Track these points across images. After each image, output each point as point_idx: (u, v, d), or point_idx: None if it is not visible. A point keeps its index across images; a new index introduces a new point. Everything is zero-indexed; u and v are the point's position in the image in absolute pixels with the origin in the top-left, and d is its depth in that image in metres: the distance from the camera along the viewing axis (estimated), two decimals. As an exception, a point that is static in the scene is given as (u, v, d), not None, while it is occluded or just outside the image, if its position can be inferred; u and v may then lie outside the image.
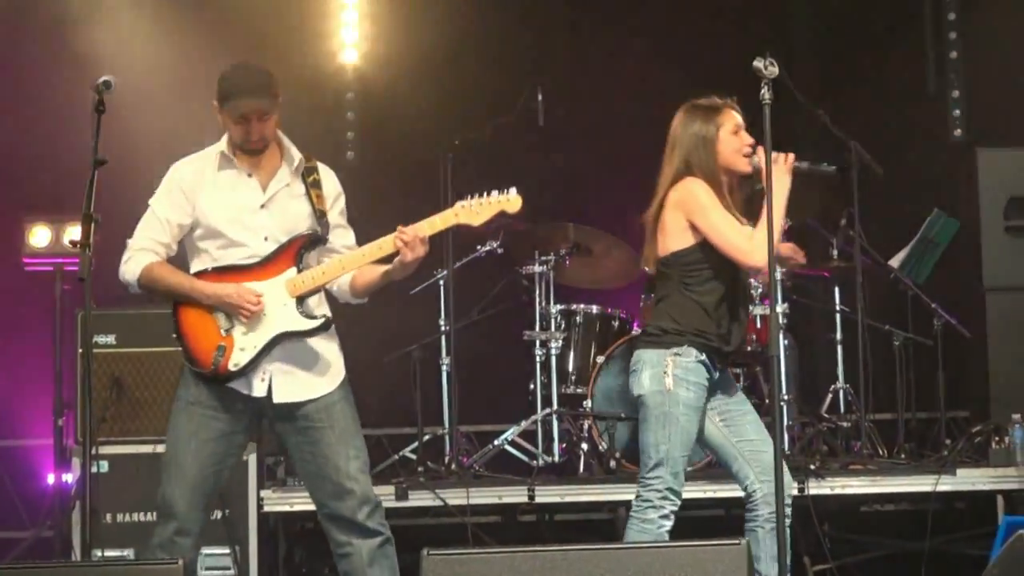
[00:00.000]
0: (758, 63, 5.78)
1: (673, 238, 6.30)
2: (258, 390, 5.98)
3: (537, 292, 8.77)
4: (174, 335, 6.05)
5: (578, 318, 8.83)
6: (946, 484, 8.28)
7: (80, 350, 7.52)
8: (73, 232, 8.26)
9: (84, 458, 6.50)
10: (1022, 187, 9.35)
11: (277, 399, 5.99)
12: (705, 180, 6.25)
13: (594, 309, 8.88)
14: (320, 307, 6.13)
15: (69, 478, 8.23)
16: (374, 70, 9.80)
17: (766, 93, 5.77)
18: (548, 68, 9.86)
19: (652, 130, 10.11)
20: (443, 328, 8.76)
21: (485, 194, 6.17)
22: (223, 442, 6.06)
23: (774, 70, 5.79)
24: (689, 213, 6.23)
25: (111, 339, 8.00)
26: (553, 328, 8.72)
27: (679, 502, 6.26)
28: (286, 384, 6.01)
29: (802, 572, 8.25)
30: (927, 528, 8.26)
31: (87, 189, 5.71)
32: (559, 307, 8.78)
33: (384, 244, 5.99)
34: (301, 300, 6.00)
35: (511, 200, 6.20)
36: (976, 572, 5.22)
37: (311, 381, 6.05)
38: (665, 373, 6.17)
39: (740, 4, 10.45)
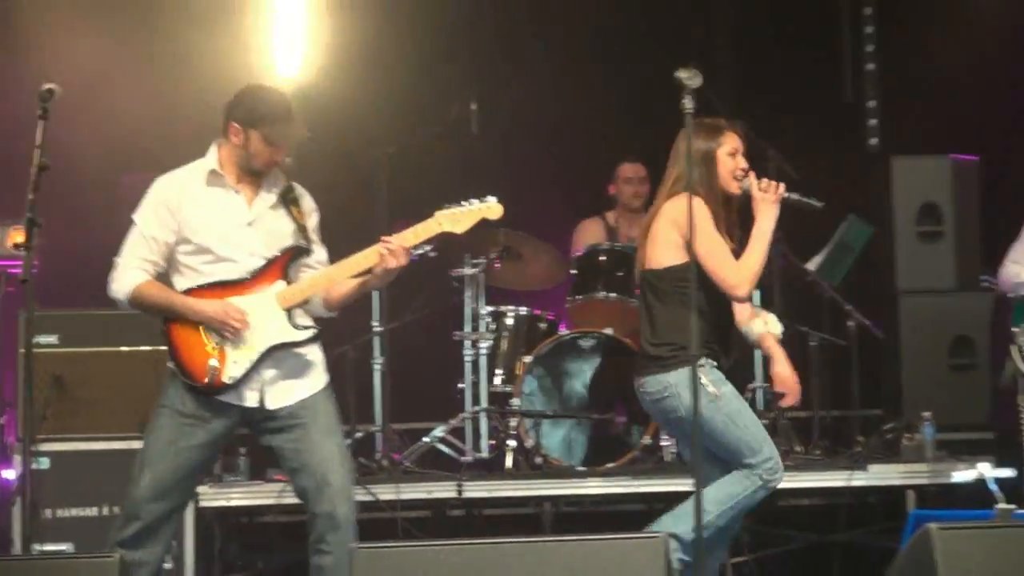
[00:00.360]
0: (680, 74, 5.84)
1: (666, 252, 6.42)
2: (250, 400, 6.04)
3: (468, 294, 8.81)
4: (167, 350, 6.06)
5: (507, 319, 8.87)
6: (859, 479, 8.36)
7: (22, 350, 7.51)
8: (16, 236, 8.25)
9: (24, 455, 6.48)
10: (934, 194, 9.45)
11: (270, 406, 6.04)
12: (703, 196, 6.32)
13: (523, 311, 8.91)
14: (304, 317, 6.17)
15: (10, 474, 8.20)
16: (312, 79, 9.78)
17: (688, 102, 5.82)
18: (482, 77, 9.88)
19: (579, 138, 10.25)
20: (376, 329, 8.78)
21: (464, 202, 6.26)
22: (203, 451, 6.10)
23: (697, 80, 5.85)
24: (684, 231, 6.21)
25: (53, 339, 7.97)
26: (483, 329, 8.76)
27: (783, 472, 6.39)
28: (279, 390, 6.07)
29: (722, 566, 8.31)
30: (841, 521, 8.35)
31: (30, 193, 5.71)
32: (489, 309, 8.82)
33: (369, 255, 6.07)
34: (290, 312, 6.04)
35: (491, 207, 6.34)
36: (886, 563, 5.28)
37: (299, 385, 6.12)
38: (703, 384, 6.19)
39: (664, 16, 10.50)
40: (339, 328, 8.73)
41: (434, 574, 4.32)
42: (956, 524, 4.65)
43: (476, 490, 8.27)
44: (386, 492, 8.09)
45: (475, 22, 10.43)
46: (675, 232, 6.36)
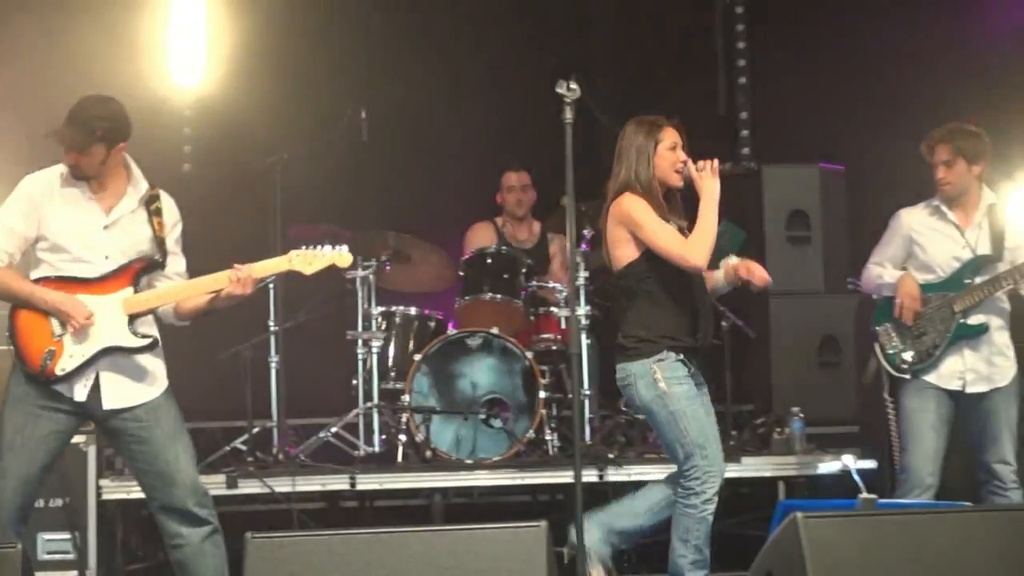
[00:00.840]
0: (560, 87, 5.89)
1: (621, 251, 6.56)
2: (79, 395, 6.03)
3: (360, 295, 8.80)
4: (7, 334, 6.05)
5: (397, 319, 8.88)
6: (732, 471, 8.39)
7: None
8: None
9: None
10: (803, 201, 9.58)
11: (107, 405, 6.04)
12: (643, 190, 6.51)
13: (412, 311, 8.93)
14: (149, 327, 6.18)
15: None
16: (210, 89, 9.74)
17: (567, 113, 5.87)
18: (372, 87, 9.88)
19: (467, 145, 10.27)
20: (272, 328, 8.76)
21: (319, 246, 6.32)
22: (51, 439, 6.07)
23: (575, 92, 5.90)
24: (630, 227, 6.47)
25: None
26: (374, 328, 8.76)
27: (720, 481, 6.48)
28: (114, 391, 6.07)
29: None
30: (716, 511, 8.42)
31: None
32: (380, 309, 8.82)
33: (219, 278, 6.10)
34: (133, 319, 6.05)
35: (342, 256, 6.39)
36: (757, 550, 5.34)
37: (137, 389, 6.12)
38: (656, 379, 6.39)
39: (546, 31, 10.54)
40: (236, 328, 8.76)
41: (325, 562, 4.34)
42: (821, 513, 4.72)
43: (368, 482, 8.26)
44: (282, 485, 8.08)
45: (365, 33, 10.42)
46: (623, 229, 6.51)
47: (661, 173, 6.59)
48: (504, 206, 9.70)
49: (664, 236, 6.45)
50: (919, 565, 4.55)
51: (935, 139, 7.36)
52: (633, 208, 6.47)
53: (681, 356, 6.50)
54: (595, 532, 6.56)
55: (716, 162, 6.57)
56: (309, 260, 6.31)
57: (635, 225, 6.47)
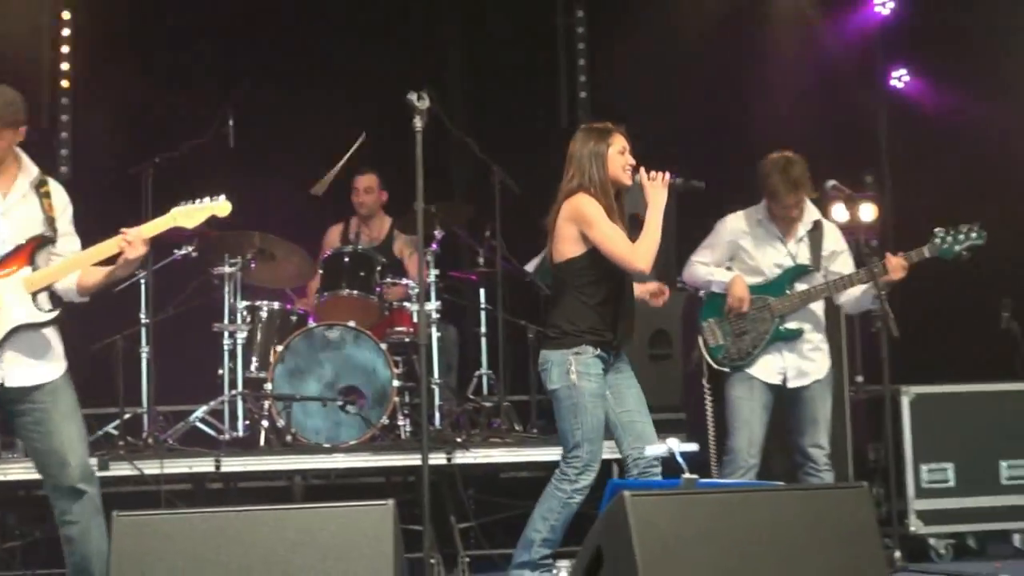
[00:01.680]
0: (410, 97, 5.92)
1: (566, 246, 6.60)
2: None
3: (226, 290, 8.77)
4: None
5: (261, 313, 8.86)
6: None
7: None
8: None
9: None
10: (637, 205, 9.61)
11: (9, 384, 5.96)
12: (596, 191, 6.56)
13: (275, 305, 8.92)
14: (48, 302, 6.11)
15: None
16: (87, 96, 9.65)
17: (417, 122, 5.91)
18: (238, 94, 9.83)
19: (323, 151, 10.24)
20: (143, 321, 8.70)
21: (198, 200, 6.31)
22: None
23: (425, 103, 5.93)
24: (581, 225, 6.52)
25: None
26: (239, 321, 8.73)
27: (593, 476, 6.55)
28: (18, 371, 6.00)
29: (449, 530, 8.41)
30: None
31: None
32: (245, 303, 8.80)
33: (109, 245, 6.04)
34: (35, 296, 5.99)
35: (220, 205, 6.40)
36: (590, 526, 5.39)
37: (40, 368, 6.06)
38: (569, 371, 6.46)
39: (401, 43, 10.56)
40: (110, 320, 8.69)
41: (187, 539, 4.34)
42: (646, 491, 4.79)
43: (233, 465, 8.22)
44: (151, 467, 8.00)
45: (235, 46, 10.38)
46: (572, 227, 6.56)
47: (613, 173, 6.65)
48: (357, 206, 9.71)
49: (614, 239, 6.52)
50: (735, 538, 4.63)
51: (780, 183, 7.43)
52: (587, 208, 6.54)
53: (599, 351, 6.58)
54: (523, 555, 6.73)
55: (667, 175, 6.63)
56: (190, 214, 6.31)
57: (587, 224, 6.53)
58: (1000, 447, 8.76)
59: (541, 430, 9.16)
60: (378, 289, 8.88)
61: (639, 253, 6.52)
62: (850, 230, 7.64)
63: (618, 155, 6.68)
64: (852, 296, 7.58)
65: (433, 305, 8.82)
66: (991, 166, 10.71)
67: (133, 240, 6.03)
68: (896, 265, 7.35)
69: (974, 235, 7.47)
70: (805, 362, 7.46)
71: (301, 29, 10.42)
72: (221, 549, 4.31)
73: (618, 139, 6.71)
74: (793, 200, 7.43)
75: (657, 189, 6.61)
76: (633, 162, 6.71)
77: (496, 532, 8.88)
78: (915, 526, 8.63)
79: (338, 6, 10.45)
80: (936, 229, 7.51)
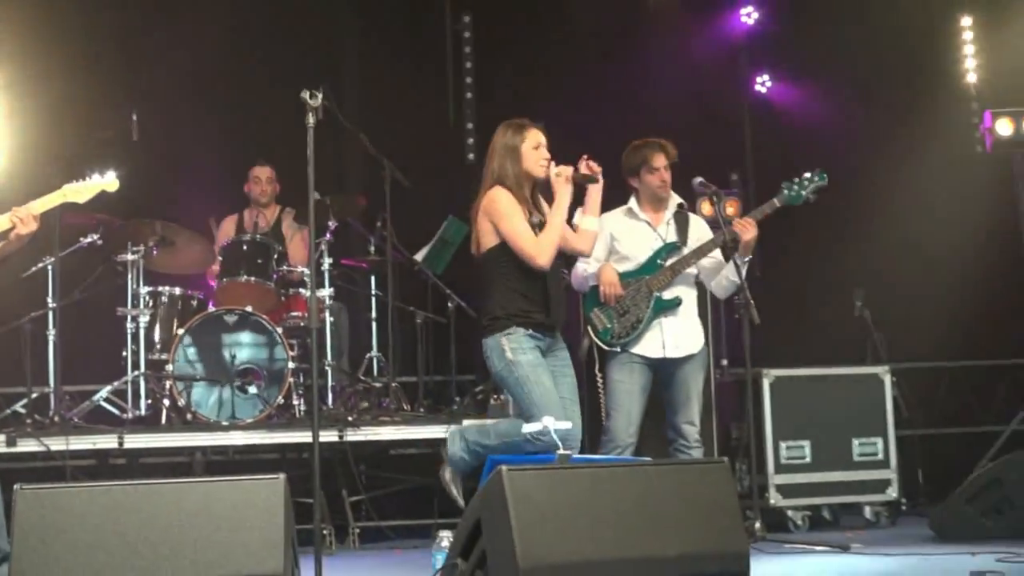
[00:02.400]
0: (304, 95, 5.88)
1: (484, 238, 6.63)
2: None
3: (130, 276, 8.68)
4: None
5: (163, 298, 8.77)
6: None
7: None
8: None
9: None
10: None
11: None
12: (513, 183, 6.58)
13: (177, 291, 8.83)
14: None
15: None
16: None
17: (310, 119, 5.88)
18: (144, 89, 9.74)
19: (223, 143, 10.16)
20: (50, 305, 8.59)
21: (88, 177, 6.36)
22: None
23: (318, 101, 5.90)
24: (493, 219, 6.54)
25: None
26: (142, 306, 8.65)
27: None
28: None
29: (340, 503, 8.40)
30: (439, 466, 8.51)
31: None
32: (147, 288, 8.71)
33: (2, 220, 5.96)
34: None
35: (109, 182, 6.47)
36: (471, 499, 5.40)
37: None
38: (504, 351, 6.50)
39: (301, 43, 10.49)
40: (18, 304, 8.59)
41: (88, 511, 4.30)
42: (523, 466, 4.80)
43: (135, 442, 8.15)
44: (57, 444, 7.92)
45: (135, 40, 10.26)
46: (487, 220, 6.59)
47: (527, 167, 6.65)
48: (250, 195, 9.64)
49: (518, 234, 6.54)
50: (605, 510, 4.67)
51: (650, 149, 7.51)
52: (499, 203, 6.56)
53: (530, 331, 6.59)
54: (457, 442, 6.81)
55: (571, 170, 6.64)
56: (79, 191, 6.37)
57: (497, 217, 6.55)
58: (852, 426, 8.88)
59: (428, 409, 9.17)
60: (275, 275, 8.83)
61: (540, 247, 6.55)
62: (716, 224, 7.69)
63: (532, 151, 6.68)
64: (720, 277, 7.60)
65: (327, 291, 8.80)
66: (846, 163, 10.86)
67: (24, 217, 6.00)
68: (742, 224, 7.41)
69: (817, 178, 7.58)
70: (683, 335, 7.46)
71: (202, 28, 10.31)
72: (121, 521, 4.28)
73: (533, 134, 6.71)
74: (663, 162, 7.47)
75: (561, 185, 6.63)
76: (548, 157, 6.71)
77: (385, 505, 8.89)
78: (774, 499, 8.73)
79: (239, 5, 10.35)
80: (782, 182, 7.60)
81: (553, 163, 6.69)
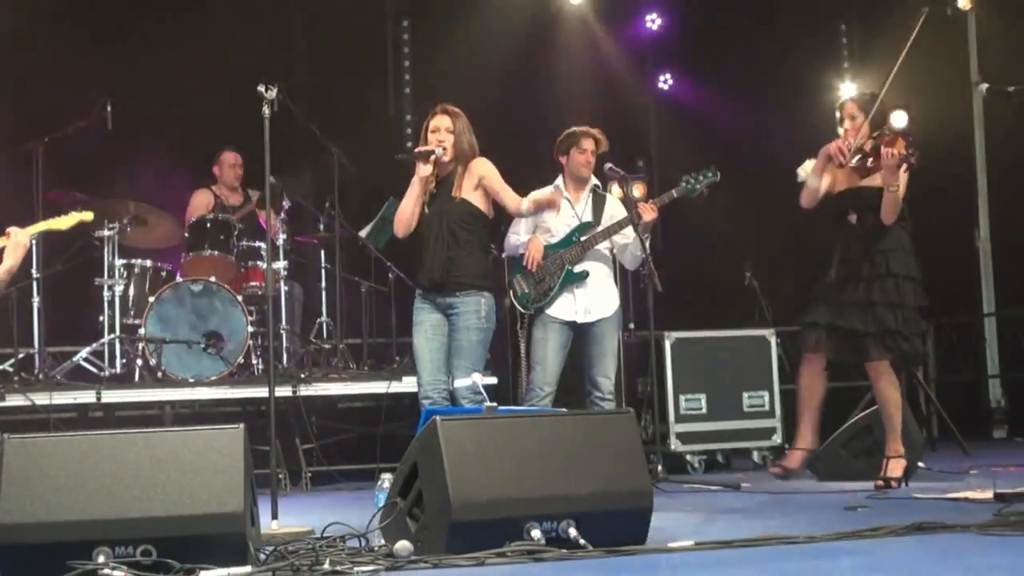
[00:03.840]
0: (260, 88, 5.84)
1: None
2: None
3: (106, 250, 8.60)
4: None
5: (136, 269, 8.69)
6: (396, 387, 8.55)
7: None
8: None
9: None
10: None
11: None
12: None
13: (148, 263, 8.76)
14: None
15: None
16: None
17: (266, 110, 5.84)
18: (116, 81, 9.63)
19: (192, 130, 10.05)
20: (35, 276, 8.50)
21: (68, 213, 6.73)
22: None
23: (272, 93, 5.86)
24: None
25: None
26: (117, 276, 8.57)
27: (424, 398, 6.67)
28: None
29: (294, 450, 8.39)
30: (382, 417, 8.52)
31: None
32: (122, 261, 8.64)
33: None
34: None
35: (85, 215, 6.82)
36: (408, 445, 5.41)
37: None
38: None
39: (259, 42, 10.41)
40: (5, 275, 8.48)
41: (69, 458, 4.28)
42: (454, 417, 4.81)
43: (111, 396, 8.15)
44: (41, 398, 7.88)
45: (112, 34, 10.14)
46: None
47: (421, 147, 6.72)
48: (221, 178, 9.56)
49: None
50: (525, 454, 4.68)
51: (579, 133, 7.52)
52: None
53: (418, 291, 6.76)
54: None
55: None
56: (62, 221, 6.71)
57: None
58: (742, 381, 8.99)
59: (371, 368, 9.17)
60: (235, 250, 8.78)
61: (396, 220, 6.81)
62: (623, 205, 7.71)
63: (429, 133, 6.70)
64: (627, 252, 7.62)
65: (281, 264, 8.76)
66: (740, 151, 10.95)
67: (23, 241, 6.41)
68: (646, 207, 7.43)
69: (710, 174, 7.62)
70: (594, 302, 7.47)
71: (168, 26, 10.22)
72: (98, 465, 4.26)
73: (433, 120, 6.72)
74: (591, 147, 7.49)
75: (423, 172, 6.63)
76: (440, 139, 6.64)
77: (333, 452, 8.90)
78: (675, 445, 8.81)
79: (200, 6, 10.26)
80: (682, 176, 7.65)
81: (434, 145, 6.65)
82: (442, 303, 6.63)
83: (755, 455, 8.96)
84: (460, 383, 6.44)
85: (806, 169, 7.28)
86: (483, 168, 6.68)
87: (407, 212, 6.69)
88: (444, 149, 6.58)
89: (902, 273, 7.13)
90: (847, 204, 7.22)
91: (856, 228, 7.19)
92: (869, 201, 7.12)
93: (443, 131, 6.64)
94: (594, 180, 7.66)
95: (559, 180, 7.61)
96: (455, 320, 6.60)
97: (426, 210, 6.68)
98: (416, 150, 6.67)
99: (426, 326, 6.66)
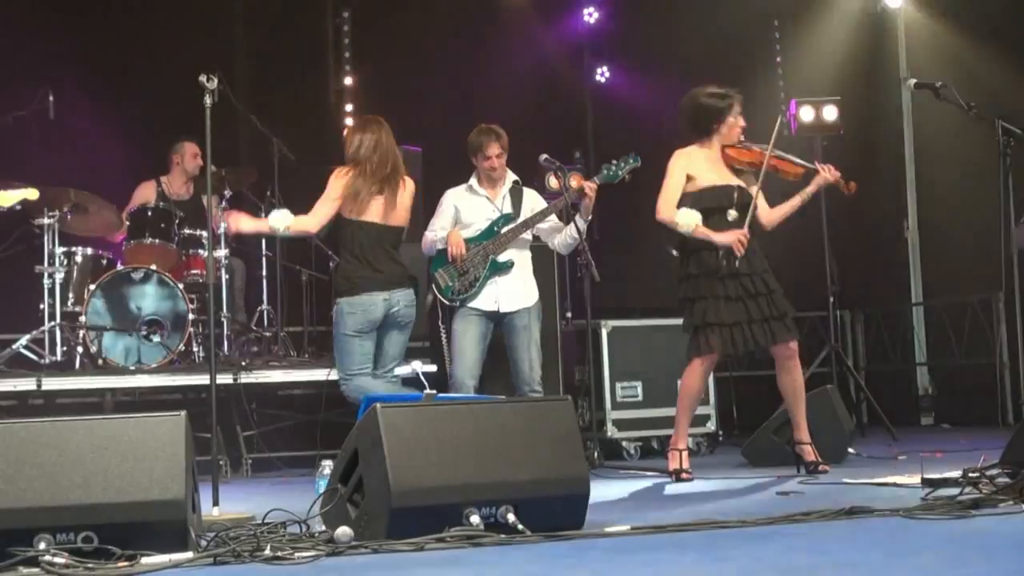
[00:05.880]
0: (201, 79, 5.80)
1: None
2: None
3: (47, 238, 8.48)
4: None
5: (77, 257, 8.59)
6: (335, 375, 8.47)
7: None
8: None
9: None
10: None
11: None
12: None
13: (89, 251, 8.67)
14: None
15: None
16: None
17: (207, 100, 5.80)
18: (58, 72, 9.52)
19: (129, 122, 9.97)
20: (-26, 263, 8.42)
21: (16, 184, 6.84)
22: None
23: (214, 84, 5.82)
24: None
25: None
26: (57, 264, 8.47)
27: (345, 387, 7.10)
28: None
29: (235, 437, 8.35)
30: (322, 404, 8.48)
31: None
32: (63, 249, 8.53)
33: None
34: None
35: (30, 191, 7.04)
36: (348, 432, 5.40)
37: None
38: None
39: (199, 33, 10.33)
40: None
41: (10, 444, 4.23)
42: (394, 404, 4.80)
43: (52, 384, 8.06)
44: (-19, 387, 7.81)
45: (47, 28, 10.01)
46: None
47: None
48: (182, 166, 9.49)
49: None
50: (464, 440, 4.68)
51: (486, 137, 7.51)
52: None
53: None
54: None
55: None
56: (5, 197, 6.96)
57: None
58: (677, 369, 8.95)
59: (311, 355, 9.14)
60: (176, 238, 8.72)
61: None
62: (559, 193, 7.73)
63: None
64: (562, 236, 7.61)
65: (223, 252, 8.71)
66: (673, 142, 10.97)
67: None
68: (590, 186, 7.39)
69: (631, 160, 7.63)
70: (515, 292, 7.47)
71: (109, 15, 10.12)
72: (39, 453, 4.21)
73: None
74: (496, 150, 7.48)
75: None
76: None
77: (274, 439, 8.86)
78: (611, 432, 8.85)
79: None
80: (602, 164, 7.67)
81: None
82: None
83: (690, 441, 9.00)
84: (403, 370, 6.54)
85: (688, 223, 6.96)
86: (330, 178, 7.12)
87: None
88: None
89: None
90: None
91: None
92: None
93: None
94: (512, 176, 7.66)
95: (472, 180, 7.62)
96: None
97: None
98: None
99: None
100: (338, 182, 7.00)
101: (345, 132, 6.82)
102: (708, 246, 7.00)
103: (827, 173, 7.16)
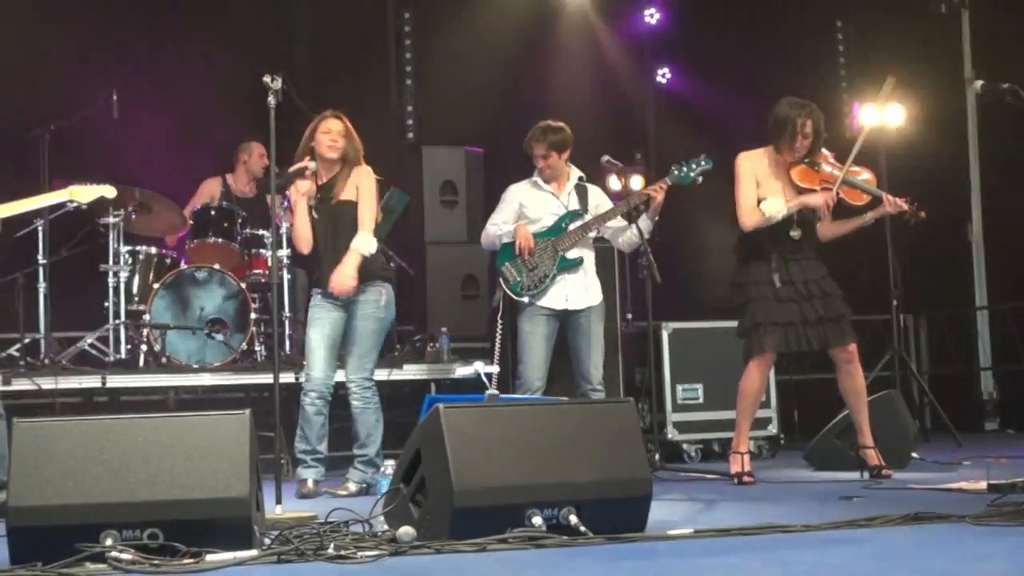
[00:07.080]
0: (266, 79, 5.83)
1: None
2: None
3: (111, 237, 8.56)
4: None
5: (141, 256, 8.68)
6: (396, 375, 8.55)
7: None
8: None
9: None
10: (451, 174, 9.74)
11: None
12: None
13: (153, 250, 8.75)
14: None
15: None
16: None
17: (271, 100, 5.83)
18: (124, 70, 9.61)
19: (195, 121, 10.04)
20: (41, 262, 8.48)
21: (91, 183, 6.76)
22: None
23: (278, 84, 5.85)
24: None
25: None
26: (122, 263, 8.55)
27: (310, 390, 7.02)
28: None
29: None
30: (384, 404, 8.47)
31: None
32: (127, 248, 8.61)
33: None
34: None
35: (109, 188, 6.93)
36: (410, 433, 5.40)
37: None
38: None
39: (264, 34, 10.38)
40: (11, 261, 8.48)
41: (76, 441, 4.26)
42: (457, 404, 4.79)
43: (116, 381, 8.14)
44: (47, 383, 7.88)
45: (119, 25, 10.11)
46: None
47: (319, 151, 6.95)
48: (248, 166, 9.54)
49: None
50: (525, 441, 4.67)
51: (534, 138, 7.51)
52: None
53: (318, 292, 6.93)
54: None
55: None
56: (83, 192, 6.80)
57: None
58: (738, 372, 8.90)
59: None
60: (239, 237, 8.77)
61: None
62: (622, 196, 7.69)
63: (322, 135, 6.96)
64: (627, 235, 7.58)
65: (285, 252, 8.73)
66: (734, 144, 10.90)
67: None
68: (656, 187, 7.37)
69: (703, 162, 7.58)
70: (583, 290, 7.46)
71: (173, 15, 10.21)
72: (104, 450, 4.24)
73: (325, 123, 7.00)
74: (542, 151, 7.46)
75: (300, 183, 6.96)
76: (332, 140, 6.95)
77: (334, 437, 8.84)
78: (672, 434, 8.81)
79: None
80: (672, 164, 7.60)
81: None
82: (344, 300, 6.83)
83: (751, 445, 8.94)
84: (354, 374, 6.61)
85: (776, 209, 6.93)
86: (363, 179, 6.97)
87: (303, 231, 6.93)
88: (314, 168, 6.92)
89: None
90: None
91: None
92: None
93: (335, 133, 6.92)
94: (576, 172, 7.64)
95: (536, 176, 7.59)
96: (354, 310, 6.87)
97: (314, 215, 6.91)
98: (291, 169, 6.85)
99: (324, 323, 6.88)
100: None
101: (348, 126, 6.86)
102: (759, 255, 6.96)
103: (890, 206, 7.05)
